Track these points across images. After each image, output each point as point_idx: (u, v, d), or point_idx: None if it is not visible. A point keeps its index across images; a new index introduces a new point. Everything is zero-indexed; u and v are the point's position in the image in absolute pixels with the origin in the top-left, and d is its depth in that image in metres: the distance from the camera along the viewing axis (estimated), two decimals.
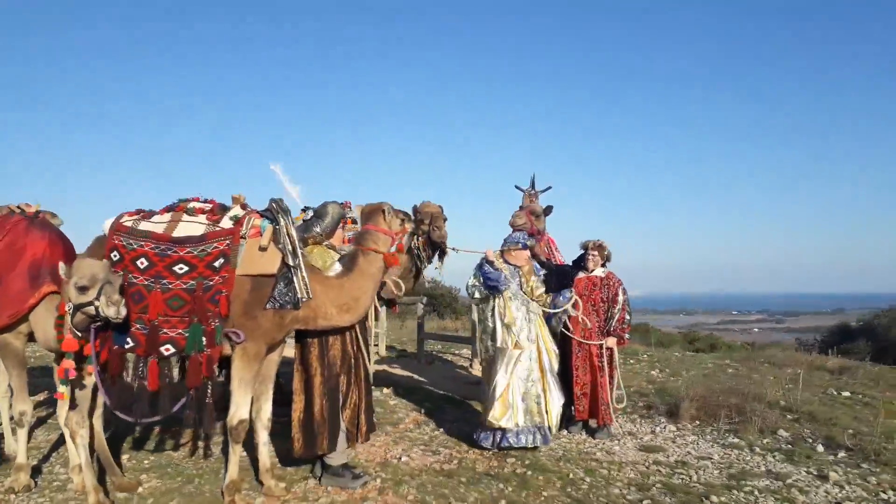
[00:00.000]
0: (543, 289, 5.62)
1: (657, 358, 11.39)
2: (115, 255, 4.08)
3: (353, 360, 4.64)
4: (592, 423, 6.23)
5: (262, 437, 4.46)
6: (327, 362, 4.54)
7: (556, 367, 5.69)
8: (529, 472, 5.05)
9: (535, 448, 5.52)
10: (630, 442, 6.01)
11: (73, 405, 4.15)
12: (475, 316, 8.26)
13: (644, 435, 6.29)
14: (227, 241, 4.13)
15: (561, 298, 5.67)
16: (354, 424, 4.61)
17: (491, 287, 5.54)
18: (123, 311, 3.71)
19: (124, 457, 5.13)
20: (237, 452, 4.26)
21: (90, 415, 4.31)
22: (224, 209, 4.32)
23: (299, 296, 4.11)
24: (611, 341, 6.09)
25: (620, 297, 6.12)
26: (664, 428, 6.48)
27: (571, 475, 5.03)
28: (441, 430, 6.18)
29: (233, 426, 4.20)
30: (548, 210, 6.91)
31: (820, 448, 5.92)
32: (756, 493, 4.75)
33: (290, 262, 4.08)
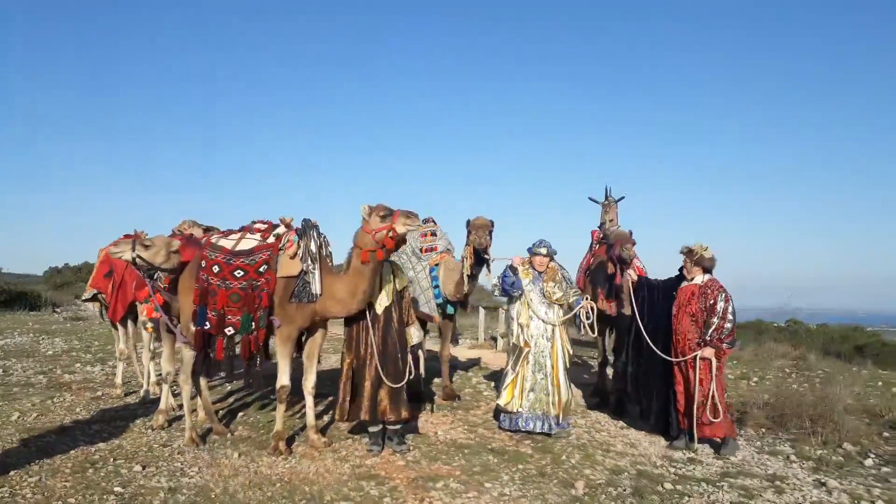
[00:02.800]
0: (561, 293, 6.23)
1: (811, 372, 10.68)
2: (202, 263, 5.74)
3: (370, 350, 5.60)
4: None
5: (308, 401, 5.82)
6: (353, 349, 5.70)
7: (568, 365, 6.29)
8: (529, 451, 5.77)
9: (549, 434, 6.20)
10: (664, 441, 6.28)
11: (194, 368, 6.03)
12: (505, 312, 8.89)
13: None
14: (269, 253, 5.59)
15: (575, 301, 6.23)
16: (372, 402, 5.60)
17: (505, 290, 6.32)
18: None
19: (240, 413, 6.89)
20: (281, 410, 5.68)
21: (195, 376, 6.06)
22: (273, 228, 5.81)
23: (313, 292, 5.42)
24: (707, 352, 5.81)
25: (720, 306, 5.82)
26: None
27: (565, 456, 5.66)
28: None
29: (277, 390, 5.65)
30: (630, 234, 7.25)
31: (869, 462, 5.70)
32: (725, 487, 4.96)
33: (303, 267, 5.41)
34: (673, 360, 6.05)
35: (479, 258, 6.88)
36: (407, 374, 5.68)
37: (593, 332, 6.27)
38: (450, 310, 7.39)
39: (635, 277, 6.69)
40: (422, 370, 6.01)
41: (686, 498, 4.73)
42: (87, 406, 6.93)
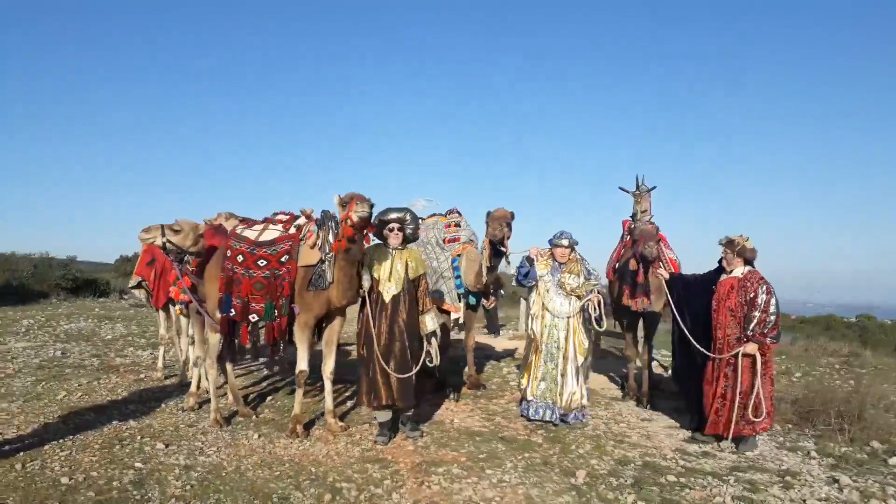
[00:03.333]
0: (576, 284, 6.24)
1: (862, 369, 10.31)
2: (228, 252, 6.00)
3: (373, 340, 5.67)
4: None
5: (327, 386, 6.03)
6: (362, 340, 5.84)
7: (580, 358, 6.26)
8: (539, 441, 5.83)
9: (556, 424, 6.26)
10: (683, 434, 6.23)
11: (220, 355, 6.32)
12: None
13: None
14: (290, 243, 5.82)
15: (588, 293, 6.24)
16: (381, 390, 5.65)
17: (519, 280, 6.37)
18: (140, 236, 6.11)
19: (269, 397, 7.17)
20: (300, 394, 5.91)
21: (221, 361, 6.36)
22: (295, 219, 6.02)
23: (328, 281, 5.61)
24: (749, 347, 5.62)
25: (761, 298, 5.62)
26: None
27: (575, 446, 5.69)
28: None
29: (296, 375, 5.88)
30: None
31: (894, 460, 5.51)
32: (731, 481, 4.91)
33: (322, 257, 5.60)
34: (715, 356, 5.83)
35: (497, 250, 6.94)
36: (419, 362, 5.77)
37: (599, 327, 6.26)
38: (472, 300, 7.47)
39: (666, 275, 6.61)
40: (435, 358, 6.00)
41: (686, 490, 4.71)
42: (129, 387, 7.34)
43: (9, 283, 18.31)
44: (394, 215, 5.81)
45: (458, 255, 7.24)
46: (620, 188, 7.96)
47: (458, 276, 7.19)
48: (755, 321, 5.64)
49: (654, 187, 7.83)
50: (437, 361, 6.04)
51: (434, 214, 7.77)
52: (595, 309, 6.14)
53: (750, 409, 5.63)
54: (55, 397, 6.69)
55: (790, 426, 6.52)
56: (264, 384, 7.84)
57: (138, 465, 4.85)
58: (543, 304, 6.33)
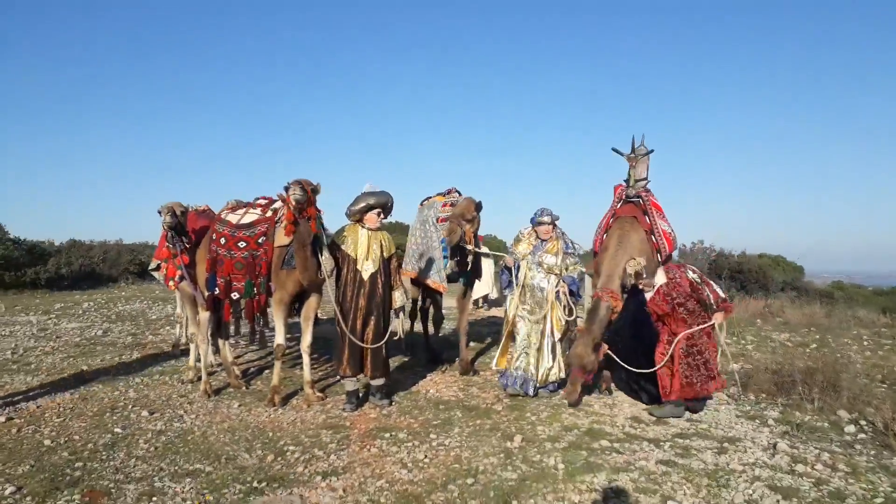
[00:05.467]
0: (553, 263, 6.42)
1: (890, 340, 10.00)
2: (213, 235, 6.49)
3: (348, 315, 6.05)
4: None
5: (305, 359, 6.45)
6: (339, 314, 6.22)
7: (557, 335, 6.46)
8: (499, 409, 6.08)
9: (532, 395, 6.47)
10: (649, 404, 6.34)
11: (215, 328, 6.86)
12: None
13: None
14: (267, 226, 6.25)
15: (564, 277, 6.46)
16: (353, 360, 6.09)
17: (503, 288, 6.77)
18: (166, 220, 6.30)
19: (266, 371, 7.66)
20: (278, 366, 6.35)
21: (214, 336, 6.89)
22: (272, 203, 6.44)
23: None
24: (718, 317, 5.91)
25: (695, 279, 6.01)
26: (714, 397, 6.52)
27: (530, 413, 5.92)
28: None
29: (274, 348, 6.33)
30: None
31: (850, 429, 5.49)
32: (666, 447, 5.03)
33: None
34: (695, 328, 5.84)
35: (458, 248, 7.14)
36: (388, 334, 6.15)
37: (569, 316, 6.43)
38: (462, 280, 7.64)
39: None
40: (401, 331, 6.45)
41: (614, 454, 4.87)
42: (144, 362, 8.00)
43: (82, 269, 19.76)
44: (378, 200, 6.20)
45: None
46: (614, 150, 7.62)
47: (447, 256, 7.39)
48: (712, 295, 5.95)
49: (652, 151, 7.53)
50: (401, 333, 6.45)
51: (439, 193, 7.96)
52: (563, 297, 6.36)
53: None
54: (75, 372, 7.39)
55: (763, 395, 6.51)
56: (269, 358, 8.33)
57: (118, 430, 5.39)
58: (525, 281, 6.55)
